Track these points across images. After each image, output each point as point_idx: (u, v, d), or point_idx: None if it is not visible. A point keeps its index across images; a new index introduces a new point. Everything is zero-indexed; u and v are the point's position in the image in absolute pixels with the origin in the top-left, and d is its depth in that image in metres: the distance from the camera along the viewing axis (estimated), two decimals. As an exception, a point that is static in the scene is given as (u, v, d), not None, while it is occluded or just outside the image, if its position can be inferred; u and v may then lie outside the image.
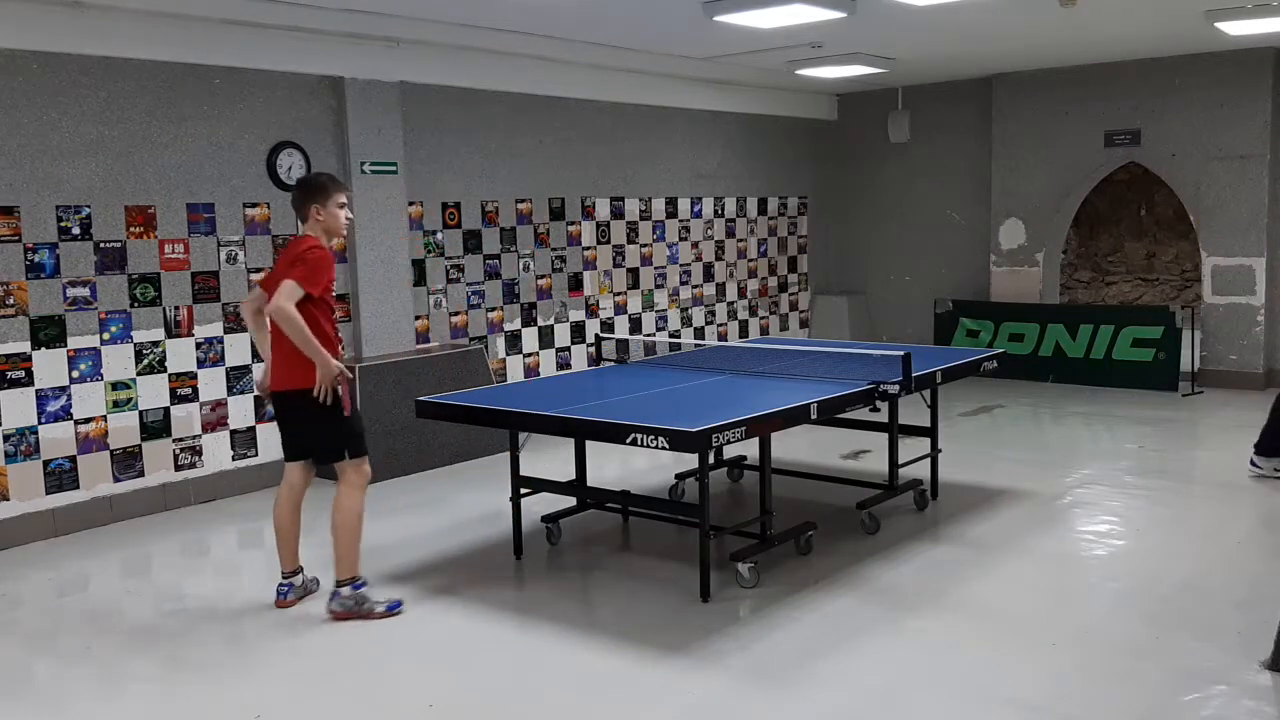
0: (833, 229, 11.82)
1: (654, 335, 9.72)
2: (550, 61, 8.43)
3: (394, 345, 7.61)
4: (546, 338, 8.87)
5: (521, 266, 8.62)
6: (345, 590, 4.58)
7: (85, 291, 6.20)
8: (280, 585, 4.83)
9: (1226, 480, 6.79)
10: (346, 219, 4.66)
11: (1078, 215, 11.37)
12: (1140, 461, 7.23)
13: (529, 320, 8.71)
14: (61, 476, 6.14)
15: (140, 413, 6.46)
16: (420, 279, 7.91)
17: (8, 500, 5.93)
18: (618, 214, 9.45)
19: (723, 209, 10.58)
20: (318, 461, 4.73)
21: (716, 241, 10.52)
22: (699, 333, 10.32)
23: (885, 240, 11.61)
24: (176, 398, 6.62)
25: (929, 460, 6.36)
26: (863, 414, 5.73)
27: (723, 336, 10.56)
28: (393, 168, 7.54)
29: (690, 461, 6.26)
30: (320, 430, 4.58)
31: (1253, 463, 6.80)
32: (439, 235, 8.03)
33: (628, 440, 4.42)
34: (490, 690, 4.01)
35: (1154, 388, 9.61)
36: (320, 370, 4.44)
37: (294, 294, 4.35)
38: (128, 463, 6.41)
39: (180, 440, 6.64)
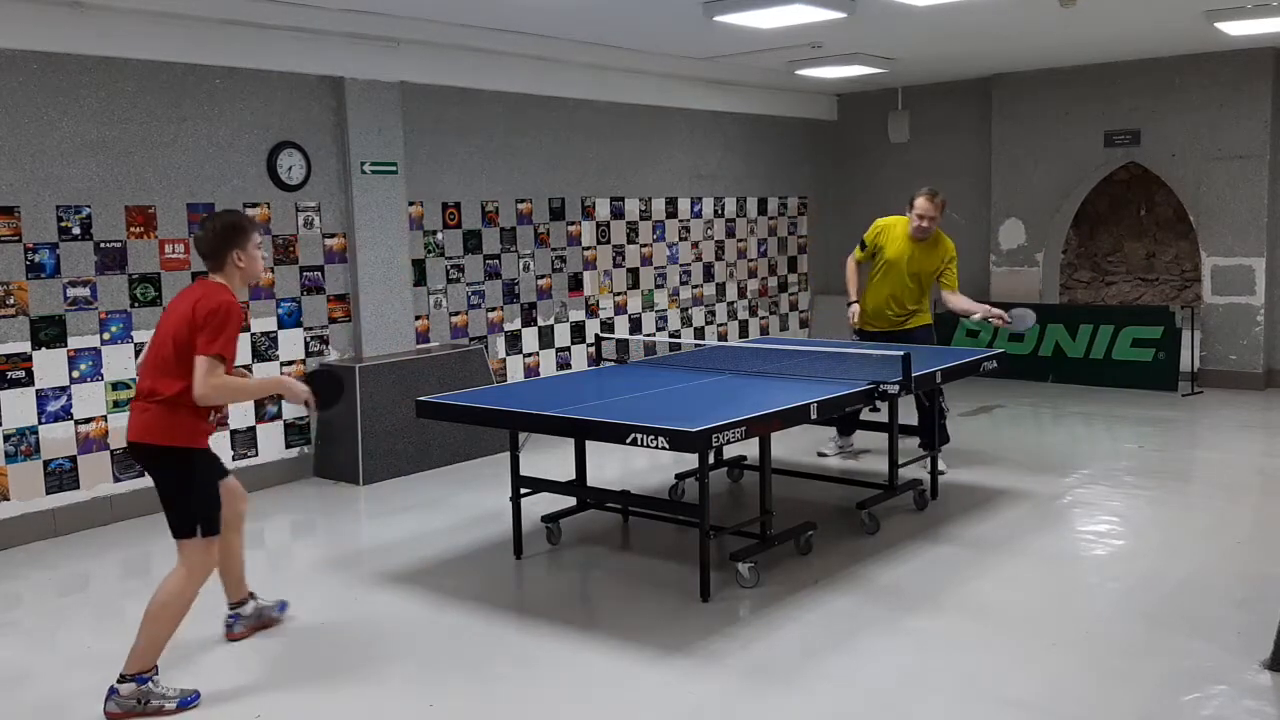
0: (833, 229, 11.82)
1: (654, 335, 9.71)
2: (550, 61, 8.42)
3: (394, 345, 7.61)
4: (546, 338, 8.87)
5: (521, 266, 8.62)
6: (128, 687, 3.82)
7: (85, 291, 6.20)
8: (227, 616, 4.48)
9: (1226, 480, 6.80)
10: (264, 258, 4.17)
11: (1078, 215, 11.37)
12: (1140, 461, 7.23)
13: (529, 320, 8.71)
14: (62, 476, 6.14)
15: (140, 413, 6.45)
16: (420, 279, 7.91)
17: (8, 500, 5.93)
18: (618, 214, 9.45)
19: (723, 209, 10.57)
20: (173, 534, 3.99)
21: (716, 241, 10.52)
22: (699, 333, 10.32)
23: (885, 240, 11.60)
24: (176, 398, 6.61)
25: (929, 460, 6.36)
26: (863, 414, 5.74)
27: (723, 336, 10.56)
28: (393, 168, 7.54)
29: (690, 461, 6.26)
30: (171, 498, 3.96)
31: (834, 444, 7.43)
32: (439, 235, 8.03)
33: (628, 440, 4.42)
34: (490, 690, 4.01)
35: (1154, 388, 9.61)
36: (289, 397, 4.13)
37: (214, 371, 3.80)
38: (128, 463, 6.40)
39: (180, 440, 6.64)
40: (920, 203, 6.75)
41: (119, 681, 3.86)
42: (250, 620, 4.53)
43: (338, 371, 4.34)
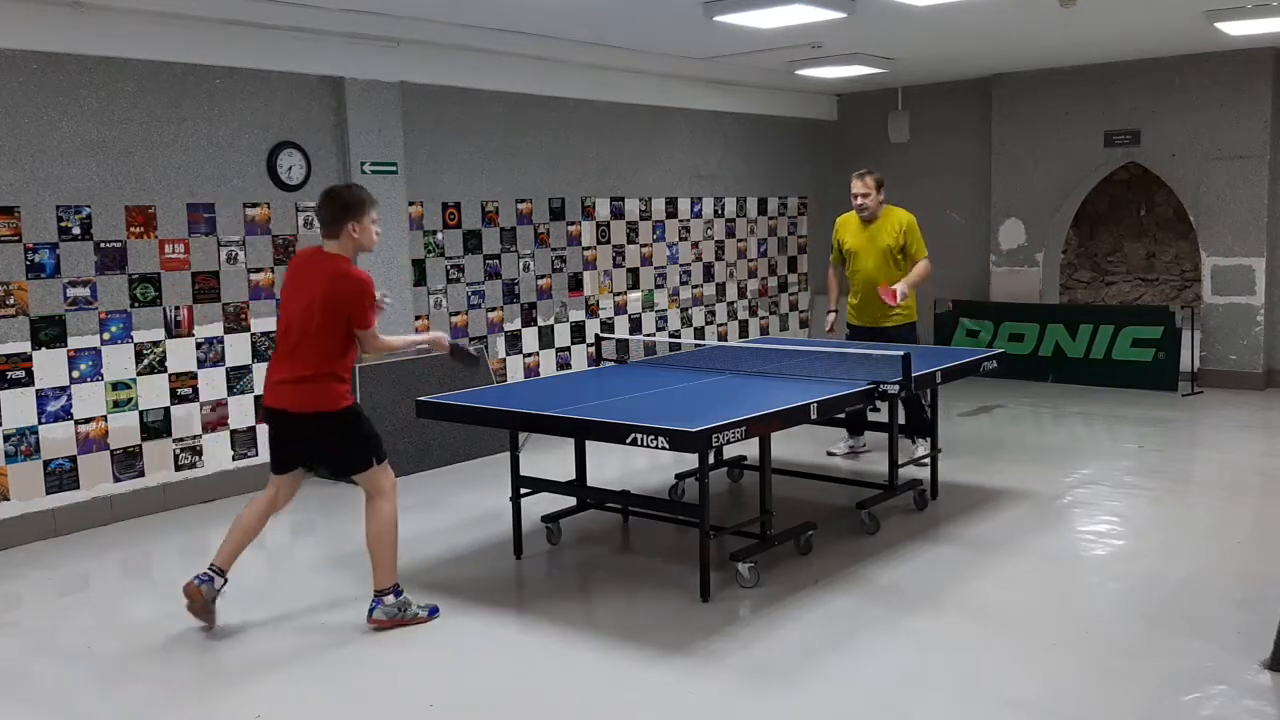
0: (832, 229, 11.78)
1: (654, 335, 9.72)
2: (550, 61, 8.43)
3: (394, 345, 7.61)
4: (546, 338, 8.87)
5: (521, 266, 8.62)
6: (389, 599, 4.50)
7: (85, 291, 6.21)
8: (202, 573, 4.55)
9: (1226, 480, 6.80)
10: (377, 234, 4.58)
11: (1078, 215, 11.38)
12: (1140, 461, 7.23)
13: (529, 320, 8.72)
14: (62, 476, 6.14)
15: (140, 413, 6.46)
16: (420, 279, 7.91)
17: (8, 500, 5.93)
18: (618, 214, 9.45)
19: (723, 209, 10.58)
20: (343, 474, 4.68)
21: (716, 241, 10.52)
22: (699, 333, 10.32)
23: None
24: (177, 398, 6.62)
25: (928, 460, 6.36)
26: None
27: (723, 336, 10.56)
28: (393, 168, 7.54)
29: (690, 461, 6.26)
30: (346, 443, 4.51)
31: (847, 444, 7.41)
32: (439, 235, 8.03)
33: (628, 440, 4.43)
34: (490, 690, 4.01)
35: (1154, 388, 9.61)
36: (435, 346, 4.80)
37: (376, 338, 4.46)
38: (128, 463, 6.41)
39: (180, 440, 6.65)
40: (852, 185, 6.98)
41: (377, 596, 4.50)
42: (214, 591, 4.55)
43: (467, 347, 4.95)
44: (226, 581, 4.62)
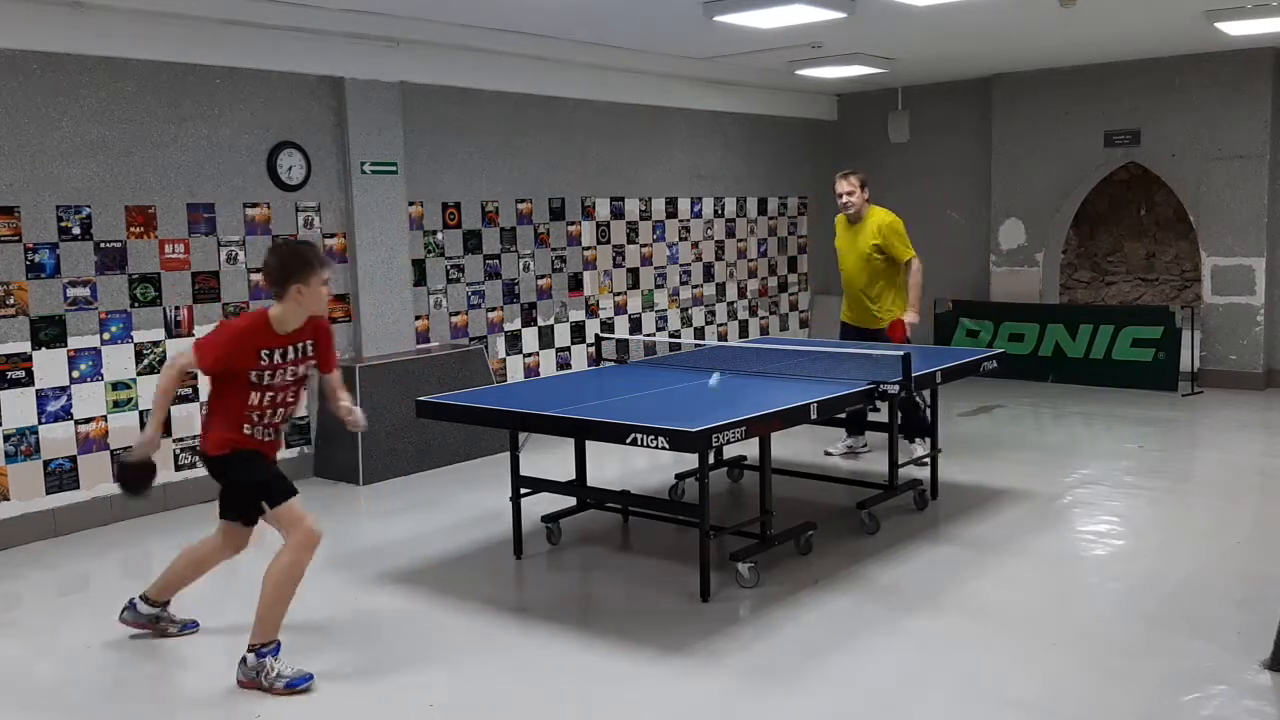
0: (832, 229, 11.77)
1: (654, 335, 9.71)
2: (550, 61, 8.42)
3: (394, 345, 7.61)
4: (546, 338, 8.87)
5: (521, 266, 8.62)
6: (250, 657, 4.01)
7: (85, 291, 6.20)
8: (130, 600, 4.50)
9: (1226, 480, 6.80)
10: (329, 296, 4.17)
11: (1078, 215, 11.38)
12: (1140, 461, 7.23)
13: (529, 320, 8.71)
14: (62, 476, 6.14)
15: (141, 413, 6.46)
16: (420, 279, 7.91)
17: (8, 500, 5.93)
18: (618, 214, 9.45)
19: (723, 209, 10.57)
20: (248, 522, 4.33)
21: (716, 241, 10.52)
22: (699, 333, 10.31)
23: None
24: (177, 398, 6.61)
25: (928, 460, 6.36)
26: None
27: (723, 336, 10.56)
28: (393, 168, 7.54)
29: (690, 461, 6.26)
30: (230, 489, 4.28)
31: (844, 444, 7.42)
32: (439, 235, 8.03)
33: (628, 440, 4.42)
34: (490, 690, 4.01)
35: (1154, 388, 9.61)
36: (142, 440, 4.23)
37: (179, 357, 4.02)
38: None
39: (180, 440, 6.64)
40: (836, 184, 7.07)
41: (247, 651, 4.01)
42: (142, 619, 4.49)
43: (148, 464, 4.30)
44: (165, 609, 4.52)
